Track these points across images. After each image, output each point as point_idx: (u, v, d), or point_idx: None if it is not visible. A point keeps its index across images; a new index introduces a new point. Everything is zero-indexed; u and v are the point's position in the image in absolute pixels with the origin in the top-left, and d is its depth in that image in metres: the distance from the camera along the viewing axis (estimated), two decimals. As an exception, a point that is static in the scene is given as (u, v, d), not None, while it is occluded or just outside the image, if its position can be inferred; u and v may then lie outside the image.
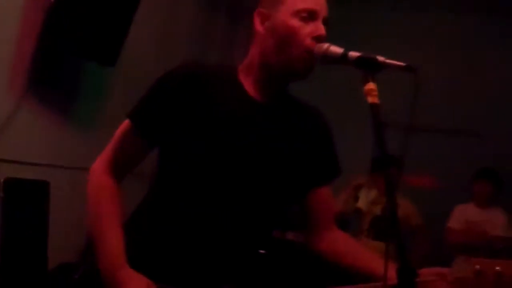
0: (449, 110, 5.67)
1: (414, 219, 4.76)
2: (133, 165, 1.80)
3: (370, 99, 1.42)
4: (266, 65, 1.71)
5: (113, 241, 1.65)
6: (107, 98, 4.36)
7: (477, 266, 1.62)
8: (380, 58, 1.46)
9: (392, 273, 1.39)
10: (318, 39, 1.62)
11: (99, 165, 1.77)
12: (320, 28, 1.64)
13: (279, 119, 1.76)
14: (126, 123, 1.75)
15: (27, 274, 3.58)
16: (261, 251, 1.76)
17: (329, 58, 1.58)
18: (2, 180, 3.42)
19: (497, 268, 1.60)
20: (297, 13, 1.64)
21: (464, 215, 4.72)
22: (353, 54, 1.52)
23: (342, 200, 4.68)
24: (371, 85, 1.43)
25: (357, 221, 4.80)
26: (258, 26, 1.72)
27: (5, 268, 3.40)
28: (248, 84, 1.73)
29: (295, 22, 1.63)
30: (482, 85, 5.66)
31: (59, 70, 3.86)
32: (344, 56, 1.54)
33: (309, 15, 1.64)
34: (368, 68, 1.46)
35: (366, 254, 1.80)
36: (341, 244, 1.87)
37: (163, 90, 1.71)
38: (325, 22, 1.67)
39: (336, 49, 1.57)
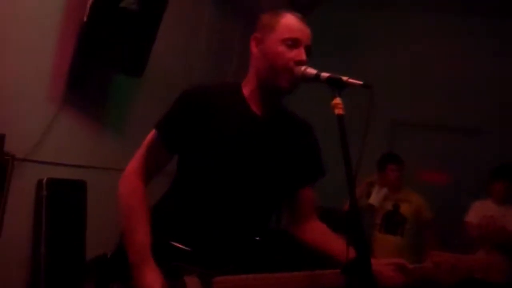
0: (461, 108, 5.87)
1: (425, 213, 4.99)
2: (158, 169, 2.12)
3: (337, 111, 1.75)
4: (260, 82, 2.04)
5: (140, 237, 1.97)
6: (134, 105, 4.65)
7: (435, 258, 1.92)
8: (344, 78, 1.79)
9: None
10: (299, 63, 1.95)
11: (130, 169, 2.10)
12: (301, 54, 1.96)
13: (275, 131, 2.08)
14: (152, 133, 2.09)
15: (68, 264, 3.95)
16: (257, 238, 2.07)
17: (306, 78, 1.92)
18: (44, 180, 3.83)
19: (451, 262, 1.90)
20: (284, 41, 1.96)
21: (482, 210, 4.80)
22: (324, 74, 1.85)
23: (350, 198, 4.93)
24: (337, 100, 1.76)
25: (369, 217, 5.07)
26: (254, 48, 2.05)
27: (49, 258, 3.79)
28: (249, 98, 2.06)
29: (281, 48, 1.96)
30: (494, 85, 5.84)
31: (93, 81, 4.17)
32: (317, 76, 1.87)
33: (293, 43, 1.96)
34: (335, 86, 1.79)
35: (336, 242, 2.07)
36: (318, 233, 2.20)
37: (180, 108, 2.04)
38: (308, 49, 1.99)
39: (311, 71, 1.91)
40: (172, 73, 4.77)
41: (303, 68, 1.93)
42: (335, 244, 2.07)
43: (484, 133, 5.73)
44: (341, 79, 1.79)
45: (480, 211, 4.79)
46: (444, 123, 5.92)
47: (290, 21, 2.00)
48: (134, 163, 2.10)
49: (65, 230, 3.98)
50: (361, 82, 1.77)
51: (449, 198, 5.33)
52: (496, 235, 4.55)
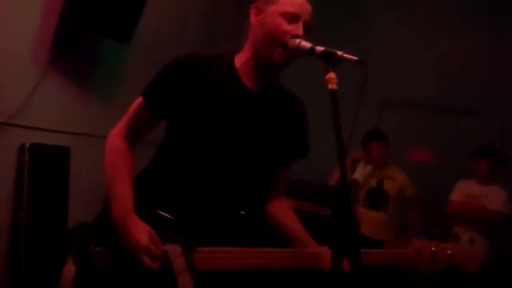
0: (449, 88, 5.85)
1: (409, 191, 4.99)
2: (142, 134, 2.11)
3: (330, 86, 1.72)
4: (254, 53, 2.01)
5: (124, 194, 1.96)
6: (122, 72, 4.58)
7: (416, 245, 1.95)
8: (339, 52, 1.75)
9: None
10: (295, 37, 1.92)
11: (116, 132, 2.10)
12: (298, 29, 1.93)
13: (264, 105, 2.05)
14: (139, 99, 2.06)
15: (49, 231, 3.93)
16: (242, 212, 2.08)
17: (300, 51, 1.88)
18: (27, 145, 3.77)
19: (432, 248, 1.93)
20: (283, 14, 1.94)
21: (465, 189, 4.85)
22: (319, 48, 1.81)
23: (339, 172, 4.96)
24: (331, 74, 1.73)
25: (353, 192, 5.06)
26: (253, 18, 2.02)
27: (30, 224, 3.75)
28: (242, 71, 2.03)
29: (280, 21, 1.93)
30: (482, 64, 5.77)
31: (80, 45, 4.10)
32: (311, 50, 1.84)
33: (293, 18, 1.94)
34: (330, 60, 1.76)
35: (299, 227, 2.11)
36: (280, 212, 2.19)
37: (168, 75, 2.01)
38: (306, 26, 1.96)
39: (306, 44, 1.87)
40: (162, 40, 4.69)
41: (297, 41, 1.90)
42: (296, 229, 2.10)
43: (475, 115, 5.72)
44: (336, 53, 1.76)
45: (463, 190, 4.84)
46: (436, 103, 5.90)
47: None
48: (119, 127, 2.10)
49: (47, 197, 3.95)
50: (356, 58, 1.74)
51: (437, 177, 5.34)
52: (476, 214, 4.59)
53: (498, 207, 4.58)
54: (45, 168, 3.94)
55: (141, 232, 1.88)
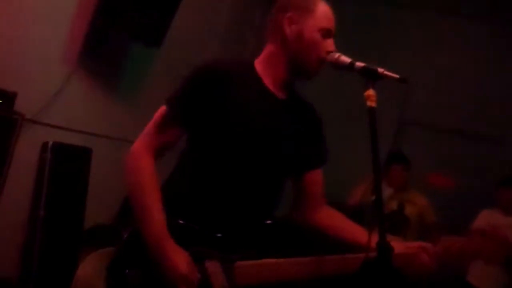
0: (474, 114, 5.80)
1: (429, 216, 4.90)
2: (168, 146, 2.01)
3: (369, 103, 1.69)
4: (289, 62, 1.99)
5: (157, 216, 1.88)
6: (149, 77, 4.57)
7: (445, 243, 2.01)
8: (380, 70, 1.72)
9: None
10: (329, 52, 1.94)
11: (139, 146, 1.98)
12: (332, 45, 1.96)
13: (290, 110, 2.04)
14: (162, 109, 1.99)
15: (65, 230, 3.92)
16: (268, 221, 2.00)
17: (339, 65, 1.87)
18: (50, 144, 3.79)
19: (460, 244, 2.01)
20: (321, 30, 1.95)
21: (488, 219, 4.70)
22: (359, 64, 1.79)
23: (361, 192, 4.89)
24: (371, 92, 1.70)
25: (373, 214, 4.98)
26: (287, 28, 1.98)
27: (47, 222, 3.75)
28: (266, 78, 2.01)
29: (317, 37, 1.95)
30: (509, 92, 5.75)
31: (109, 48, 4.10)
32: (351, 65, 1.82)
33: (328, 33, 1.96)
34: (370, 77, 1.73)
35: (356, 228, 2.09)
36: (335, 219, 2.17)
37: (194, 83, 1.96)
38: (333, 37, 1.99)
39: (345, 59, 1.86)
40: (190, 48, 4.68)
41: (337, 55, 1.90)
42: (357, 231, 2.06)
43: (500, 143, 5.64)
44: (376, 70, 1.73)
45: (486, 220, 4.71)
46: (463, 128, 5.83)
47: (326, 9, 2.00)
48: (143, 140, 1.99)
49: (65, 196, 3.95)
50: (397, 76, 1.71)
51: (459, 205, 5.24)
52: (497, 244, 4.49)
53: None
54: (66, 167, 3.94)
55: (180, 260, 1.84)
